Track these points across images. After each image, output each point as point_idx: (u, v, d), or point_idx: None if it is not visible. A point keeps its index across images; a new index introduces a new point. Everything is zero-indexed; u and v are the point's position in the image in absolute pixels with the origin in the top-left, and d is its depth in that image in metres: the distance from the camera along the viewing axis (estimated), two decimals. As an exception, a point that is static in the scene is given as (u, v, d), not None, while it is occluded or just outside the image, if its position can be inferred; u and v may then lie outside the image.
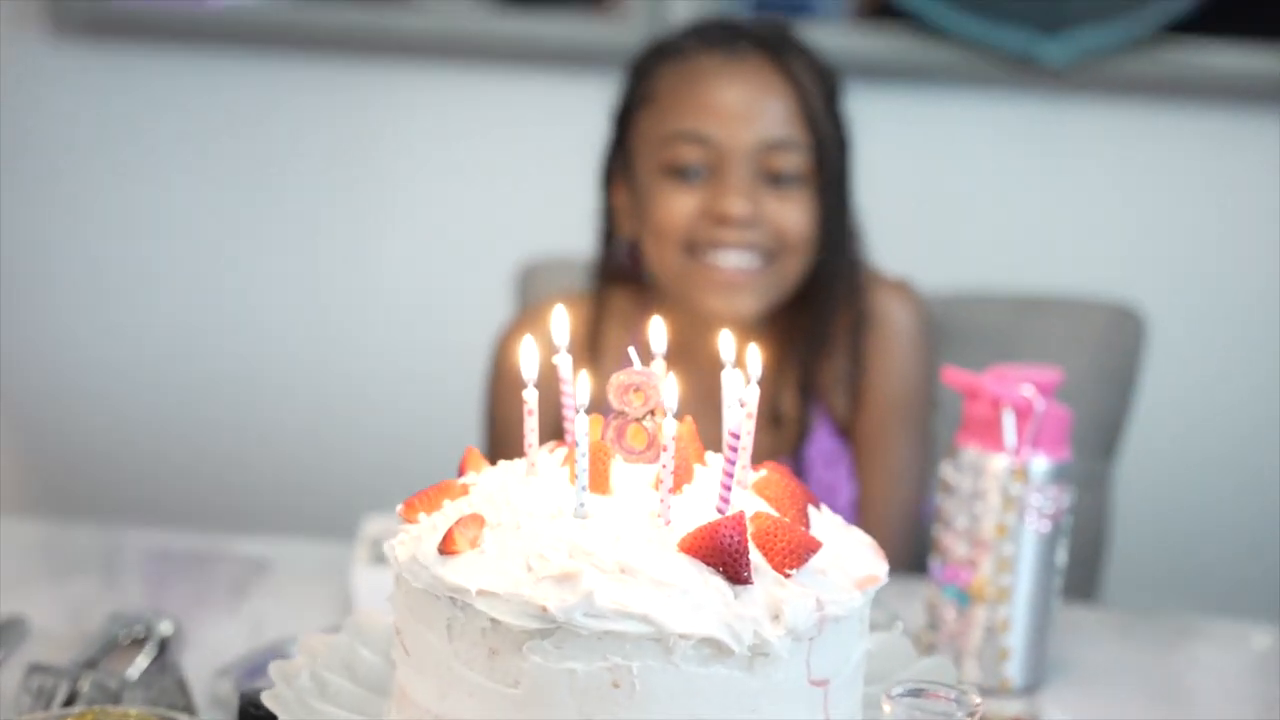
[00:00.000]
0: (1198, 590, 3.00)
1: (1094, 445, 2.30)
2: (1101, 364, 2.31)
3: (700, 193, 2.01)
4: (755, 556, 1.19)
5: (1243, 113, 2.99)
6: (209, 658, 1.63)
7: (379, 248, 3.27)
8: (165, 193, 3.33)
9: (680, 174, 2.02)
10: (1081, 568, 2.29)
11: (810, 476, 2.11)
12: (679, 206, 2.01)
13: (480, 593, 1.16)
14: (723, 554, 1.17)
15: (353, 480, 3.22)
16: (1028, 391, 1.64)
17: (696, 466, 1.29)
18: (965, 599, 1.67)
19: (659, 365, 1.34)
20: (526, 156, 3.18)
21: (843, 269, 2.10)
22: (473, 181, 3.22)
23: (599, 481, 1.24)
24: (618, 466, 1.27)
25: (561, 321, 1.31)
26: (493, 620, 1.16)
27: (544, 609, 1.14)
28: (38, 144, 3.33)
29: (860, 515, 2.11)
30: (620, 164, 2.12)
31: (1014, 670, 1.67)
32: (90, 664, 1.58)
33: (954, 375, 1.68)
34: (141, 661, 1.59)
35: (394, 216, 3.26)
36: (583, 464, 1.20)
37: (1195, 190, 3.03)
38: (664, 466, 1.20)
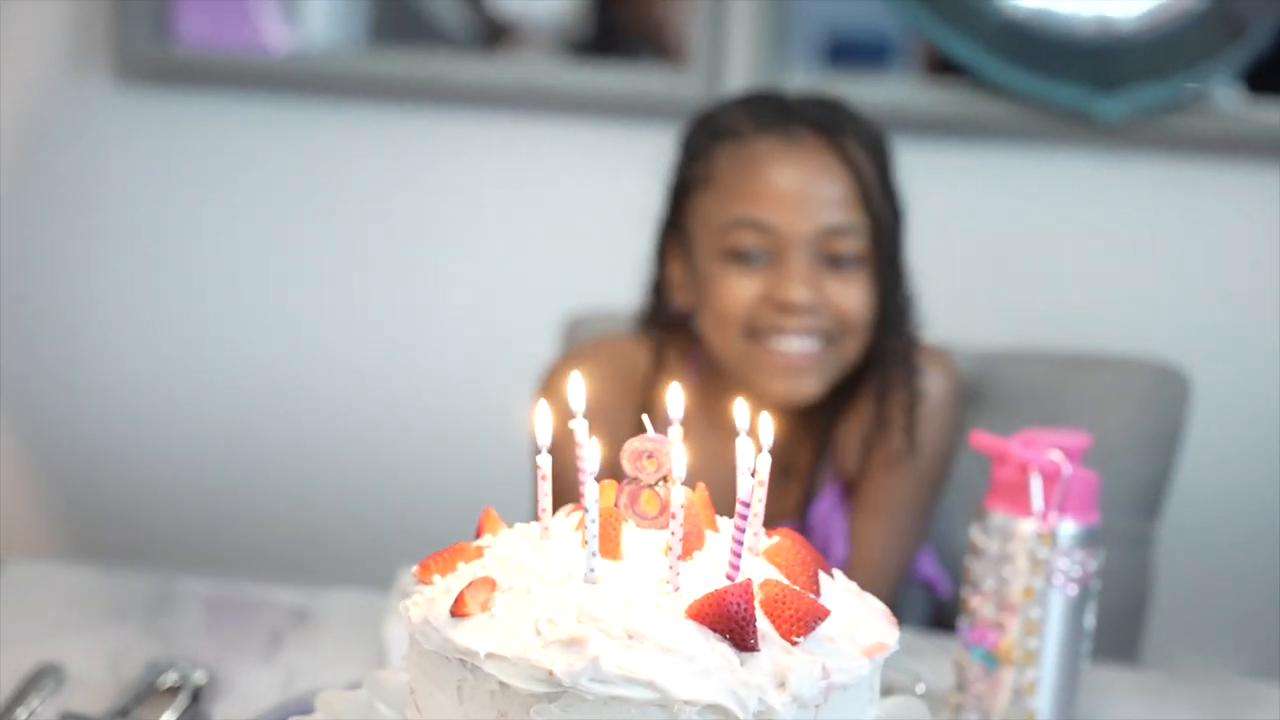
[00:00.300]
0: (1244, 652, 2.98)
1: (1137, 505, 2.29)
2: (1145, 423, 2.31)
3: (761, 278, 2.04)
4: (763, 624, 1.20)
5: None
6: (241, 708, 1.65)
7: (431, 295, 3.30)
8: (226, 238, 3.37)
9: (740, 259, 2.04)
10: (1124, 629, 2.29)
11: (813, 530, 2.13)
12: (741, 292, 2.04)
13: (489, 656, 1.18)
14: (729, 621, 1.18)
15: (395, 528, 3.25)
16: (1055, 456, 1.64)
17: (709, 533, 1.31)
18: (993, 661, 1.67)
19: (675, 431, 1.35)
20: (583, 207, 3.20)
21: (899, 346, 2.12)
22: (526, 232, 3.25)
23: (610, 547, 1.26)
24: (630, 532, 1.28)
25: (578, 387, 1.32)
26: (501, 683, 1.17)
27: (550, 673, 1.15)
28: (102, 190, 3.38)
29: (849, 571, 2.12)
30: (675, 238, 2.15)
31: (1041, 733, 1.67)
32: (123, 713, 1.60)
33: (982, 439, 1.69)
34: (173, 712, 1.62)
35: (448, 266, 3.29)
36: (592, 529, 1.22)
37: (1241, 247, 3.02)
38: (673, 533, 1.21)
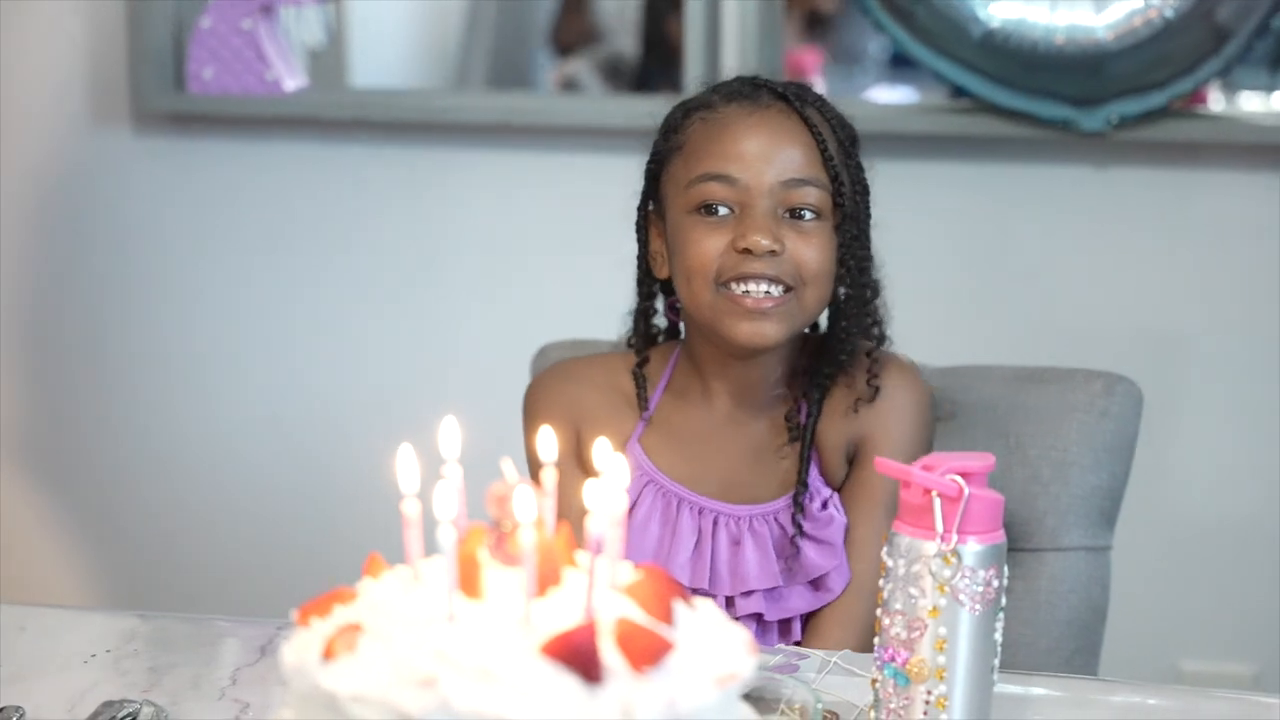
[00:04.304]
0: (1200, 655, 3.02)
1: (1094, 516, 2.33)
2: (1102, 434, 2.34)
3: (728, 230, 2.17)
4: (614, 658, 1.26)
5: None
6: (187, 746, 1.73)
7: (438, 327, 3.39)
8: (245, 278, 3.47)
9: (709, 211, 2.18)
10: (1084, 639, 2.32)
11: (810, 509, 2.23)
12: (709, 244, 2.17)
13: (351, 698, 1.25)
14: (576, 656, 1.25)
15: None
16: (956, 479, 1.69)
17: (569, 570, 1.37)
18: (904, 679, 1.72)
19: (549, 473, 1.41)
20: (576, 234, 3.28)
21: (861, 299, 2.25)
22: (527, 261, 3.33)
23: (471, 588, 1.33)
24: (495, 573, 1.35)
25: (452, 434, 1.39)
26: (364, 723, 1.24)
27: (405, 714, 1.22)
28: (124, 238, 3.49)
29: (847, 596, 2.19)
30: (655, 212, 2.29)
31: (954, 747, 1.72)
32: (68, 754, 1.68)
33: (885, 464, 1.74)
34: (115, 751, 1.70)
35: (453, 298, 3.38)
36: (450, 572, 1.29)
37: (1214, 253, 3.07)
38: (525, 574, 1.28)
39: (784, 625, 2.23)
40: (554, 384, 2.35)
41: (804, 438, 2.24)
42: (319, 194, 3.45)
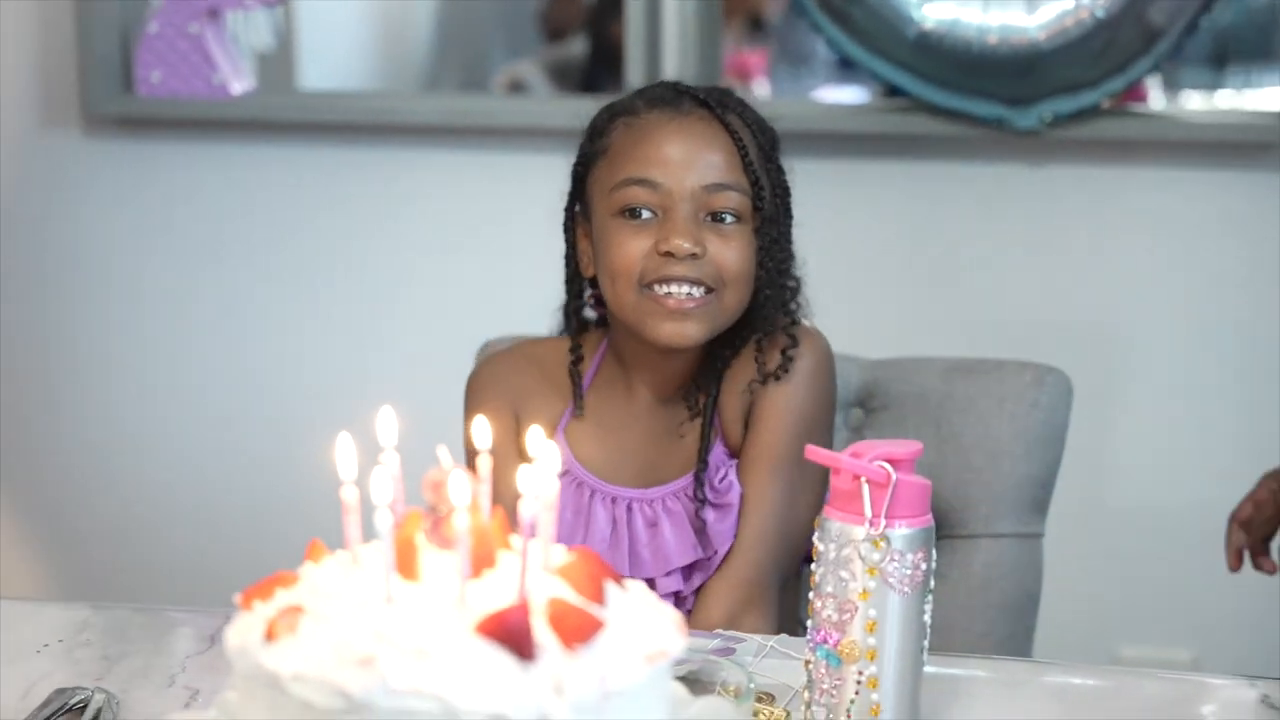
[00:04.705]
0: (1139, 640, 3.07)
1: (1027, 503, 2.38)
2: (1033, 423, 2.40)
3: (651, 233, 2.22)
4: (547, 636, 1.31)
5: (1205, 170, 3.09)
6: (133, 729, 1.77)
7: (388, 328, 3.42)
8: (193, 278, 3.50)
9: (632, 215, 2.23)
10: (1018, 625, 2.37)
11: (712, 490, 2.28)
12: (632, 247, 2.23)
13: (293, 677, 1.29)
14: (510, 635, 1.29)
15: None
16: (884, 465, 1.74)
17: (503, 552, 1.42)
18: (836, 659, 1.77)
19: (483, 460, 1.46)
20: (519, 232, 3.32)
21: (780, 300, 2.30)
22: (476, 259, 3.37)
23: (408, 570, 1.37)
24: (431, 555, 1.40)
25: (389, 422, 1.44)
26: (304, 702, 1.29)
27: (345, 692, 1.27)
28: (74, 239, 3.52)
29: (731, 554, 2.25)
30: (581, 213, 2.35)
31: (885, 725, 1.77)
32: (20, 740, 1.72)
33: (815, 452, 1.79)
34: (67, 736, 1.74)
35: (402, 299, 3.41)
36: (388, 555, 1.33)
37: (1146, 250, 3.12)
38: (460, 557, 1.33)
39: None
40: (496, 371, 2.40)
41: (705, 414, 2.29)
42: (267, 195, 3.49)
